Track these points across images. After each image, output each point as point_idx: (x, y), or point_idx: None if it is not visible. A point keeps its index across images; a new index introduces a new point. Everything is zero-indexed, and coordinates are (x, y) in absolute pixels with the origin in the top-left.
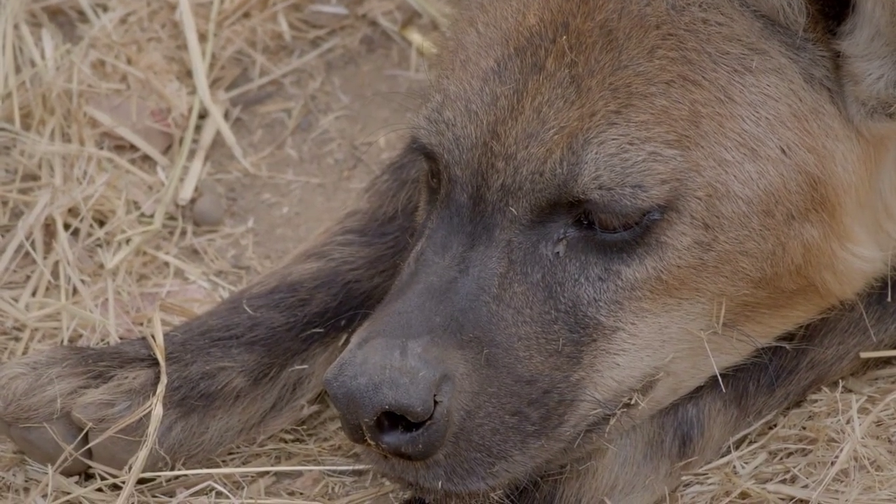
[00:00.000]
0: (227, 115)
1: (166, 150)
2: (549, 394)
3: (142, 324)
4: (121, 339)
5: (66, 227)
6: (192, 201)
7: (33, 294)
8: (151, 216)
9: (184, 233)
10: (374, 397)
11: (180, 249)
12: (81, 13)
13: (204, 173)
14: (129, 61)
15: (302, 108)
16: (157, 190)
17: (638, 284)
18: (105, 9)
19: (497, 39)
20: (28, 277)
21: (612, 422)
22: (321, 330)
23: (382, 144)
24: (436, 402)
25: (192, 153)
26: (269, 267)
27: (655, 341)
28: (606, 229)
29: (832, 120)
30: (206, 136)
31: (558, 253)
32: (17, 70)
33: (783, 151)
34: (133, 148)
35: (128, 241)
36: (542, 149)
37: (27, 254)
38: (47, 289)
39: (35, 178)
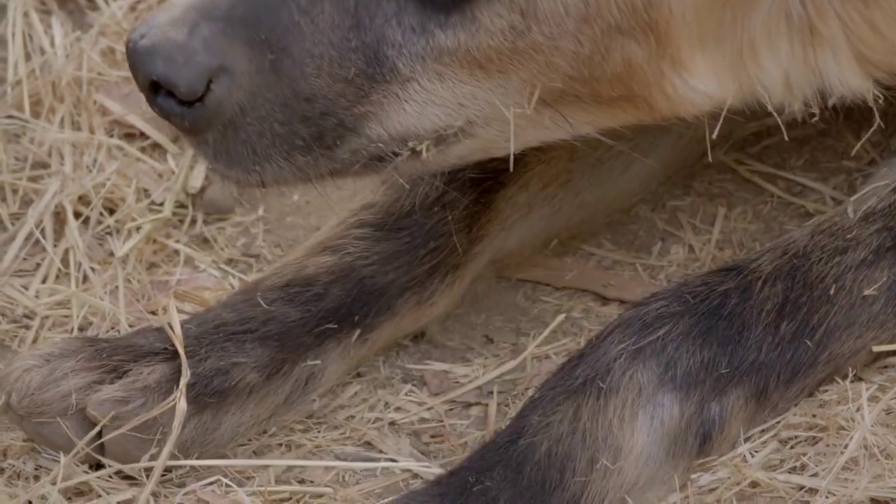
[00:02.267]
0: None
1: (176, 139)
2: (327, 116)
3: (154, 312)
4: (131, 327)
5: (77, 215)
6: (203, 189)
7: (43, 282)
8: (161, 204)
9: (194, 221)
10: (148, 64)
11: (190, 238)
12: (91, 0)
13: None
14: None
15: None
16: (168, 178)
17: (447, 51)
18: None
19: None
20: (38, 265)
21: (398, 161)
22: (335, 325)
23: None
24: (210, 89)
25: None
26: (282, 256)
27: (451, 103)
28: None
29: None
30: None
31: None
32: (27, 58)
33: None
34: (143, 136)
35: (138, 229)
36: None
37: (37, 242)
38: (57, 277)
39: (45, 166)
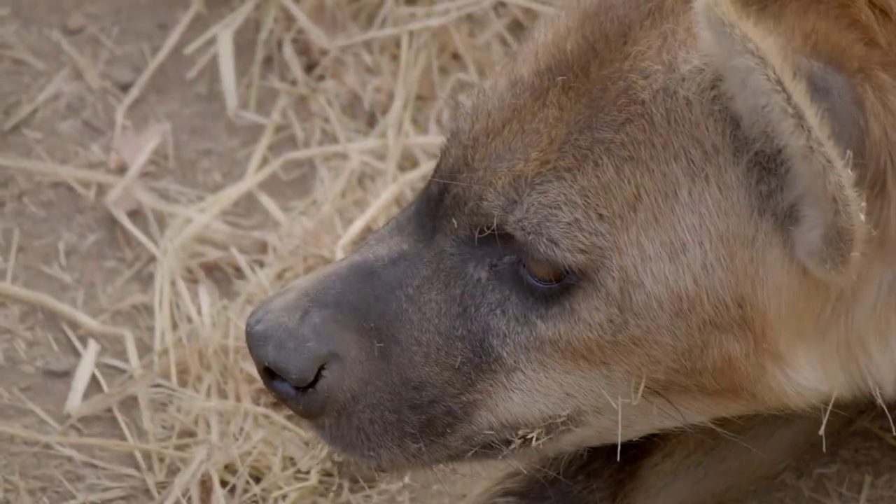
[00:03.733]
0: None
1: None
2: (435, 404)
3: None
4: None
5: (223, 483)
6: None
7: None
8: (308, 472)
9: (340, 489)
10: (261, 349)
11: None
12: (238, 269)
13: None
14: None
15: None
16: (314, 446)
17: (548, 341)
18: (262, 264)
19: (538, 52)
20: None
21: (511, 448)
22: None
23: None
24: (322, 375)
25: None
26: None
27: (557, 392)
28: (532, 275)
29: (769, 251)
30: None
31: (480, 279)
32: (174, 326)
33: (703, 266)
34: None
35: (284, 497)
36: (493, 175)
37: None
38: None
39: (191, 434)
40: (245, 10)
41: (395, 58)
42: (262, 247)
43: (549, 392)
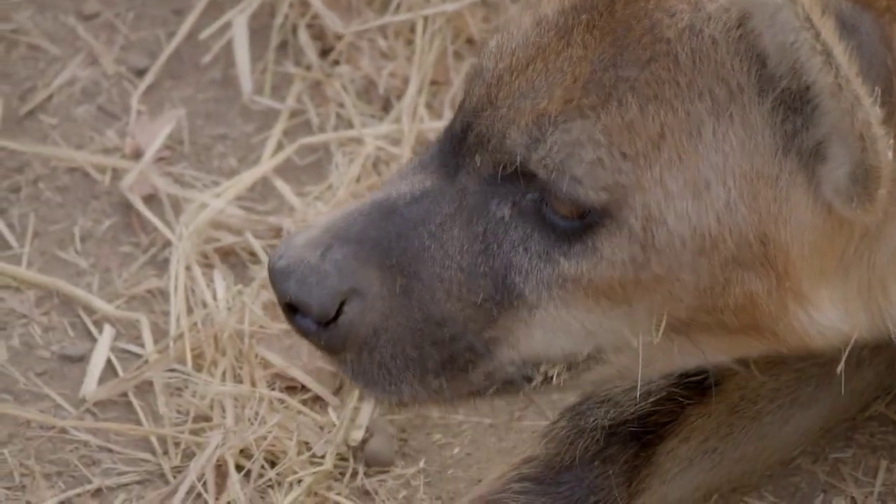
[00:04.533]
0: None
1: (337, 391)
2: (457, 340)
3: None
4: None
5: (238, 468)
6: (364, 442)
7: None
8: (323, 457)
9: (355, 473)
10: (283, 284)
11: (351, 490)
12: (253, 254)
13: (375, 414)
14: None
15: None
16: (329, 430)
17: (570, 279)
18: None
19: None
20: None
21: (533, 385)
22: None
23: None
24: (343, 311)
25: (362, 393)
26: None
27: (578, 330)
28: (555, 212)
29: (793, 190)
30: None
31: (503, 216)
32: (189, 311)
33: (727, 204)
34: (304, 389)
35: (299, 481)
36: (517, 113)
37: (199, 495)
38: None
39: (207, 419)
40: None
41: (409, 43)
42: (277, 232)
43: (571, 329)
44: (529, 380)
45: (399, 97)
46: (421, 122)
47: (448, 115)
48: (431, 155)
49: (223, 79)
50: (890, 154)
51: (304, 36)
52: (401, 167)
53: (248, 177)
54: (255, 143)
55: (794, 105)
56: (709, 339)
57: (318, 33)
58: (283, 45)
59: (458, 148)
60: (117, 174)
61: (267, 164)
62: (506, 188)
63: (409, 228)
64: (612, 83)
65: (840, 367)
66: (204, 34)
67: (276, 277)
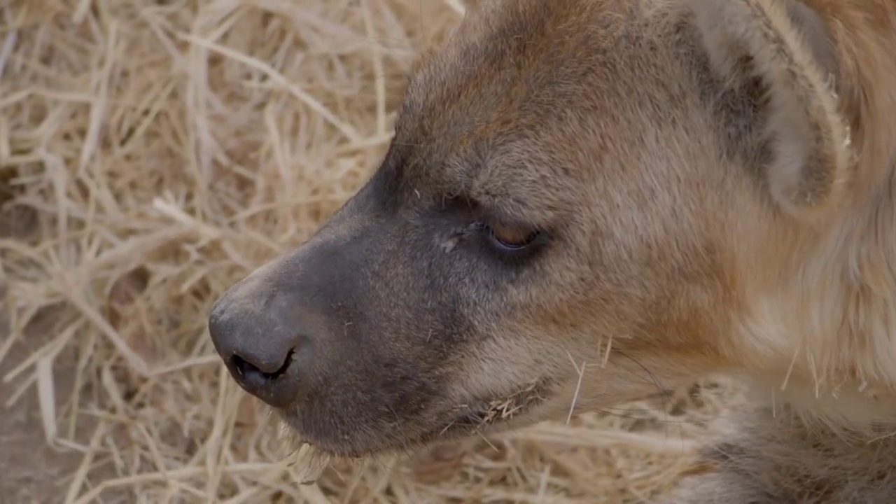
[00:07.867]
0: None
1: None
2: (408, 380)
3: None
4: None
5: None
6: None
7: None
8: None
9: None
10: (228, 338)
11: None
12: None
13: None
14: None
15: None
16: None
17: (519, 306)
18: None
19: (489, 18)
20: None
21: (484, 421)
22: None
23: None
24: (292, 360)
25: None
26: None
27: (526, 360)
28: (500, 239)
29: (739, 193)
30: None
31: (446, 248)
32: None
33: (672, 212)
34: None
35: None
36: (454, 141)
37: None
38: None
39: None
40: (64, 338)
41: (214, 384)
42: None
43: (519, 360)
44: (482, 416)
45: (204, 439)
46: (226, 464)
47: (253, 458)
48: (367, 195)
49: (28, 421)
50: (847, 142)
51: (108, 378)
52: (336, 212)
53: None
54: (59, 485)
55: (736, 107)
56: (651, 360)
57: (122, 375)
58: (87, 388)
59: (394, 184)
60: None
61: None
62: (447, 219)
63: (353, 270)
64: (549, 100)
65: (783, 384)
66: (8, 377)
67: (220, 332)
